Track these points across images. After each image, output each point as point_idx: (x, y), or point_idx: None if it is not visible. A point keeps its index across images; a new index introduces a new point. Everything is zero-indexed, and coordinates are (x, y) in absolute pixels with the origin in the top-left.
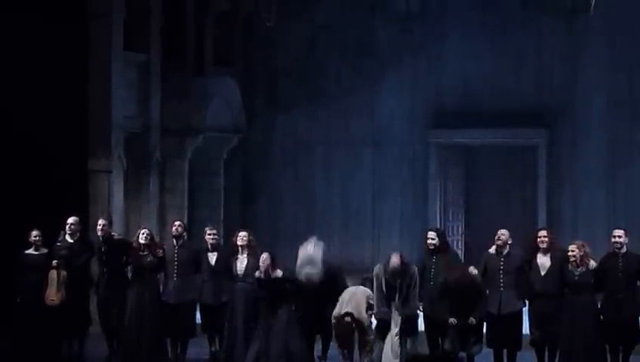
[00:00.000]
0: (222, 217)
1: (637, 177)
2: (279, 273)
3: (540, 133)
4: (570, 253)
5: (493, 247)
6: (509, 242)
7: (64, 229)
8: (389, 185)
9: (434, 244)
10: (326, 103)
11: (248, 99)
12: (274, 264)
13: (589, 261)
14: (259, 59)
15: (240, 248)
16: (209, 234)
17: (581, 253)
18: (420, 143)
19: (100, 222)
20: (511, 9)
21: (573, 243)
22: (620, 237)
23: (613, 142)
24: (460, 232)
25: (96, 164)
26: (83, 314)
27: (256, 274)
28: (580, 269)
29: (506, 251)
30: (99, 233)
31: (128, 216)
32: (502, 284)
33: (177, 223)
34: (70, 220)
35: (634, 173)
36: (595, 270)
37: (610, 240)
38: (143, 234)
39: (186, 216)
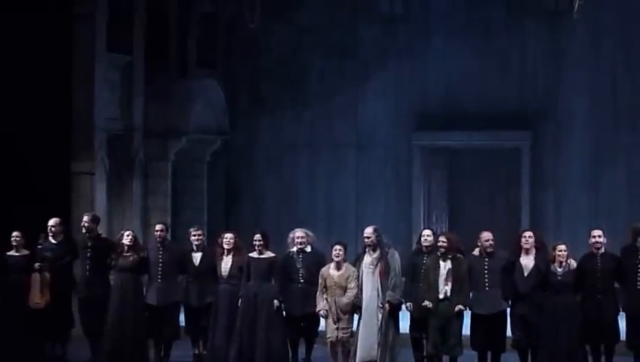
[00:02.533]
0: (205, 219)
1: (620, 179)
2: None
3: (524, 135)
4: (561, 252)
5: (477, 249)
6: (492, 243)
7: (45, 231)
8: (373, 187)
9: (430, 243)
10: (310, 105)
11: (232, 100)
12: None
13: (570, 261)
14: (242, 60)
15: (225, 250)
16: (194, 235)
17: (567, 253)
18: (404, 145)
19: (85, 218)
20: (494, 11)
21: (561, 244)
22: (599, 237)
23: (596, 144)
24: None
25: (79, 165)
26: (66, 316)
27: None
28: (562, 269)
29: (490, 252)
30: (83, 229)
31: (111, 218)
32: (487, 285)
33: (159, 227)
34: (51, 222)
35: (617, 174)
36: (576, 270)
37: (588, 241)
38: (127, 235)
39: (169, 218)
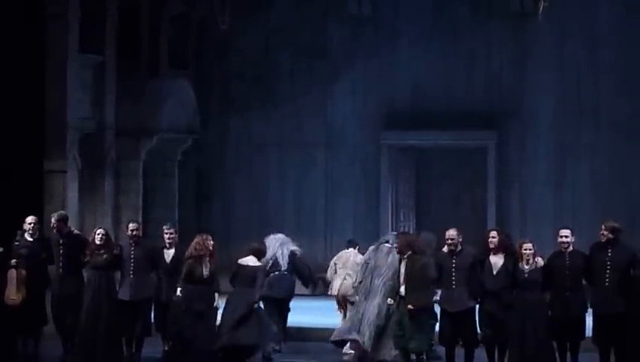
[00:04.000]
0: (176, 217)
1: (584, 178)
2: None
3: (490, 135)
4: (527, 251)
5: (446, 247)
6: (457, 241)
7: (21, 229)
8: (342, 186)
9: (568, 243)
10: (279, 105)
11: (202, 100)
12: None
13: (537, 258)
14: (213, 61)
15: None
16: (166, 233)
17: (533, 251)
18: (372, 144)
19: (52, 219)
20: (461, 13)
21: (527, 242)
22: (566, 236)
23: (560, 144)
24: (411, 232)
25: (51, 164)
26: (39, 313)
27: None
28: (529, 267)
29: (458, 250)
30: (54, 229)
31: (83, 216)
32: (454, 283)
33: (133, 225)
34: (30, 219)
35: (581, 174)
36: (543, 268)
37: (556, 239)
38: (99, 234)
39: (140, 216)
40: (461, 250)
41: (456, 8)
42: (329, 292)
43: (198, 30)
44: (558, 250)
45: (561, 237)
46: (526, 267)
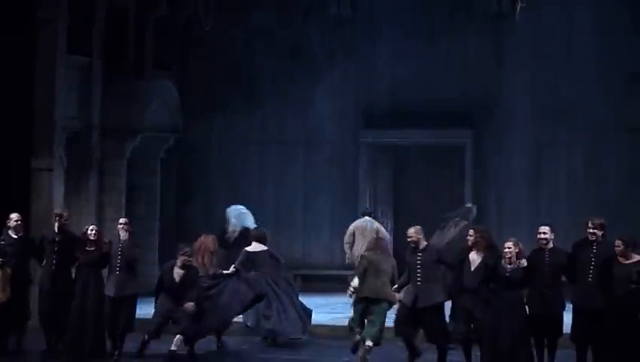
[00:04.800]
0: (158, 214)
1: (560, 177)
2: None
3: (467, 134)
4: (506, 250)
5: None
6: (420, 237)
7: (5, 226)
8: (321, 184)
9: (547, 240)
10: (261, 104)
11: (186, 100)
12: None
13: (521, 259)
14: (197, 61)
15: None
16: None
17: (516, 250)
18: (351, 143)
19: (58, 212)
20: (439, 13)
21: (509, 241)
22: (545, 233)
23: (537, 143)
24: (389, 230)
25: (38, 162)
26: (22, 310)
27: None
28: (511, 266)
29: (421, 247)
30: (56, 223)
31: (69, 213)
32: (419, 279)
33: (124, 220)
34: (14, 216)
35: (557, 173)
36: (527, 259)
37: (536, 236)
38: (92, 230)
39: (123, 214)
40: (426, 246)
41: (434, 9)
42: (347, 261)
43: (183, 32)
44: (538, 247)
45: (540, 234)
46: (508, 266)
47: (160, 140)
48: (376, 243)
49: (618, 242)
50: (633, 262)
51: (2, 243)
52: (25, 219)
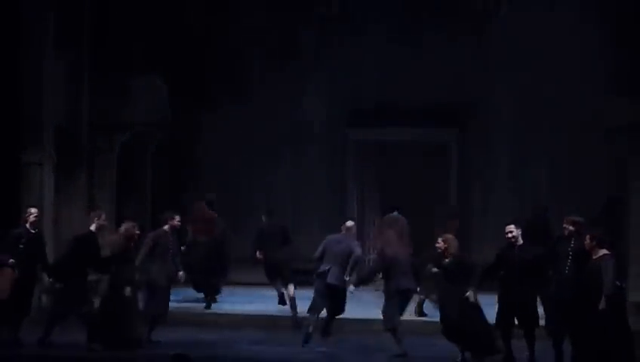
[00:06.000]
0: (149, 210)
1: (545, 176)
2: None
3: (452, 132)
4: (437, 245)
5: None
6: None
7: (23, 220)
8: (309, 181)
9: (514, 237)
10: (250, 102)
11: (176, 96)
12: None
13: (448, 256)
14: (187, 59)
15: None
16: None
17: (445, 246)
18: (339, 141)
19: (33, 211)
20: (425, 12)
21: (441, 237)
22: (511, 231)
23: (522, 142)
24: (376, 226)
25: (28, 157)
26: (25, 305)
27: None
28: (446, 260)
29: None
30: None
31: (59, 208)
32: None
33: (178, 218)
34: (34, 211)
35: (541, 171)
36: (496, 258)
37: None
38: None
39: (114, 209)
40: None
41: (421, 9)
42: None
43: (173, 29)
44: (508, 243)
45: (507, 233)
46: (445, 260)
47: (150, 136)
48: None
49: (587, 238)
50: (599, 257)
51: (21, 238)
52: (14, 213)
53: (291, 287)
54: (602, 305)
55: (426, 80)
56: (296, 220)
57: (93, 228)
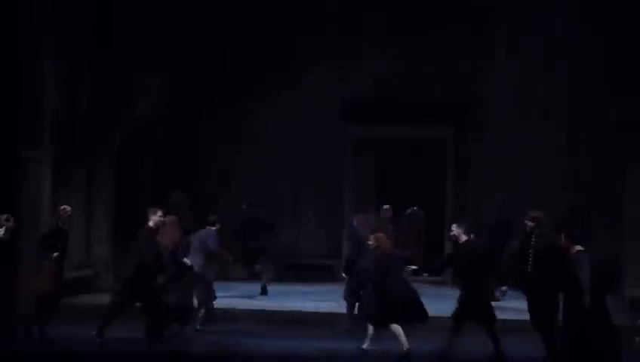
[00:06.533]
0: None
1: (540, 172)
2: None
3: (448, 129)
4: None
5: None
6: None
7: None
8: (306, 177)
9: (454, 236)
10: (247, 99)
11: (175, 96)
12: None
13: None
14: (185, 58)
15: None
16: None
17: (376, 244)
18: (337, 137)
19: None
20: (422, 9)
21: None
22: (452, 231)
23: (518, 139)
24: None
25: (27, 153)
26: (55, 300)
27: None
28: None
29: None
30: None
31: (57, 204)
32: None
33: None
34: (69, 208)
35: (538, 169)
36: (448, 256)
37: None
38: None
39: (112, 205)
40: None
41: (418, 5)
42: None
43: (171, 28)
44: (454, 242)
45: (450, 232)
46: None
47: (148, 134)
48: None
49: (562, 236)
50: (574, 253)
51: (61, 234)
52: (13, 209)
53: (264, 277)
54: (587, 300)
55: (423, 77)
56: (294, 216)
57: (151, 223)
